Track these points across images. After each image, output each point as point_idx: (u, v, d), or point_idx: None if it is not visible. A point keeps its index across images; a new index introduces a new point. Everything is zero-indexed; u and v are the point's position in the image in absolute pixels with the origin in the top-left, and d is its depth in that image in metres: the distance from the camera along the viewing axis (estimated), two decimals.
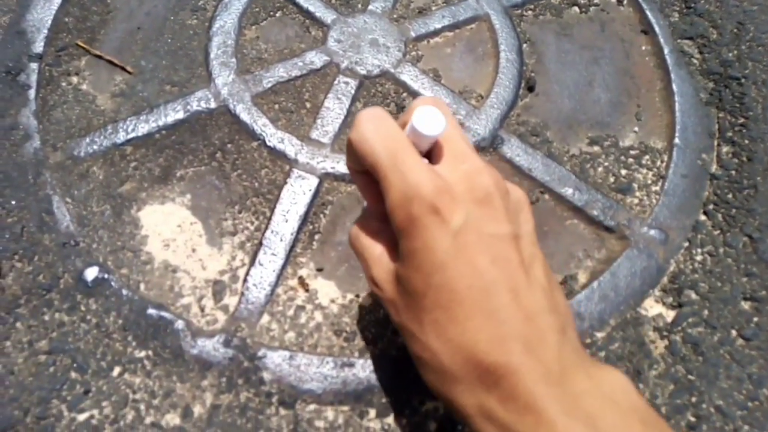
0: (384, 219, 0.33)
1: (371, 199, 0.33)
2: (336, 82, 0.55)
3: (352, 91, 0.55)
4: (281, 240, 0.47)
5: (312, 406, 0.42)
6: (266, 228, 0.48)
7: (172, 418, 0.41)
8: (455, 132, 0.31)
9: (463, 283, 0.27)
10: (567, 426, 0.25)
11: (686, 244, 0.50)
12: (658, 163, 0.54)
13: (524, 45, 0.60)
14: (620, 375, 0.29)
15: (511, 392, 0.26)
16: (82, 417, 0.40)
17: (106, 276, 0.45)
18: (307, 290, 0.46)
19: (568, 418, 0.26)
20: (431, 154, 0.30)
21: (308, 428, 0.41)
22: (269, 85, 0.54)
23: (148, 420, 0.41)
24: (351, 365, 0.43)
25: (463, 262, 0.27)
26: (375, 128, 0.29)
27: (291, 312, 0.45)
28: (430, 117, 0.28)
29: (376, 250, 0.32)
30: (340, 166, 0.51)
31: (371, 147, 0.29)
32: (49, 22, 0.57)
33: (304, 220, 0.48)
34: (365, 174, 0.32)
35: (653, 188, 0.53)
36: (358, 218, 0.35)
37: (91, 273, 0.45)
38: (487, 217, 0.28)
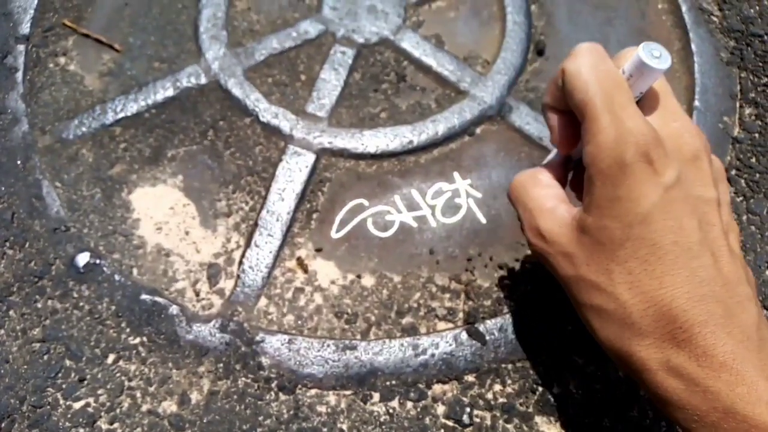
0: (560, 171, 0.33)
1: (563, 142, 0.31)
2: (332, 52, 0.52)
3: (350, 61, 0.52)
4: (278, 220, 0.45)
5: (313, 391, 0.40)
6: (262, 208, 0.46)
7: (169, 406, 0.40)
8: (669, 88, 0.30)
9: (668, 239, 0.27)
10: None
11: None
12: None
13: (533, 6, 0.56)
14: None
15: (706, 350, 0.26)
16: (77, 405, 0.39)
17: (97, 261, 0.43)
18: (305, 271, 0.44)
19: None
20: (642, 105, 0.29)
21: (309, 413, 0.40)
22: (262, 57, 0.52)
23: (144, 407, 0.39)
24: (353, 348, 0.41)
25: (671, 218, 0.27)
26: (594, 64, 0.28)
27: (289, 294, 0.43)
28: (656, 51, 0.27)
29: (547, 202, 0.31)
30: (338, 141, 0.48)
31: (585, 83, 0.27)
32: (36, 1, 0.55)
33: (301, 198, 0.46)
34: (564, 114, 0.31)
35: None
36: (521, 172, 0.34)
37: (83, 258, 0.43)
38: (695, 179, 0.28)
